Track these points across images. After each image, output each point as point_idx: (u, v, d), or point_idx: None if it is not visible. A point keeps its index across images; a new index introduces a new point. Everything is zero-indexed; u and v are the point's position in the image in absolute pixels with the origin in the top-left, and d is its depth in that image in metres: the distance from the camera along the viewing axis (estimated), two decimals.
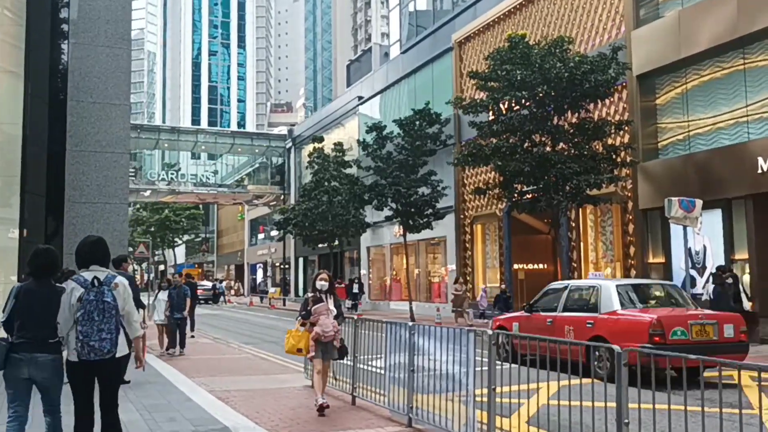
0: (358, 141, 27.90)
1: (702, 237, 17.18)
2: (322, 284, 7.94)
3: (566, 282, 13.26)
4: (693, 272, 17.28)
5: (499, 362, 5.88)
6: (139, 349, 5.56)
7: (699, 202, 14.37)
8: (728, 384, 5.75)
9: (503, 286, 23.88)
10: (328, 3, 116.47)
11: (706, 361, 4.31)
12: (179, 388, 9.51)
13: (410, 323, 7.29)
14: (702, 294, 16.33)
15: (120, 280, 5.10)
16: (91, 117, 14.66)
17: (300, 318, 8.19)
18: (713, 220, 16.79)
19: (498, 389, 5.80)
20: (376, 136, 26.20)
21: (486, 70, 18.34)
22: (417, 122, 25.53)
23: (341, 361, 8.59)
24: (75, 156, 14.46)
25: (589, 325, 10.86)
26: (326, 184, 32.06)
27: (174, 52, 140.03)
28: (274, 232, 47.71)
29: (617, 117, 19.41)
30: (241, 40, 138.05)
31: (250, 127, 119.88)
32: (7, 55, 12.53)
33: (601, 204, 18.72)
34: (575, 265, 21.40)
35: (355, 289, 33.34)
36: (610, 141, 18.76)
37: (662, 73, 18.80)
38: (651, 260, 18.63)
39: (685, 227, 14.67)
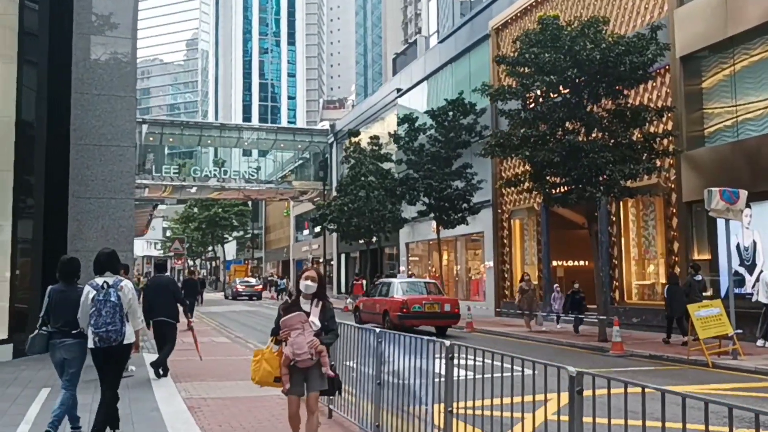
0: (389, 134, 27.06)
1: (751, 231, 15.72)
2: (307, 285, 5.60)
3: (385, 279, 23.77)
4: (741, 269, 15.83)
5: (462, 374, 5.01)
6: (138, 338, 6.77)
7: (743, 193, 13.04)
8: None
9: (576, 285, 18.81)
10: None
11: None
12: (155, 394, 8.89)
13: (377, 329, 6.43)
14: (752, 294, 14.90)
15: (125, 283, 6.41)
16: (96, 110, 14.24)
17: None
18: (764, 212, 15.33)
19: (461, 404, 4.95)
20: (408, 128, 25.33)
21: (513, 54, 17.21)
22: (450, 113, 24.58)
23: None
24: (79, 150, 14.06)
25: (384, 303, 19.96)
26: (362, 178, 31.32)
27: (226, 51, 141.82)
28: (317, 228, 47.32)
29: (659, 103, 18.02)
30: (291, 37, 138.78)
31: (301, 124, 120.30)
32: (7, 41, 12.16)
33: (640, 196, 17.40)
34: (616, 261, 20.09)
35: None
36: (651, 129, 17.43)
37: (708, 54, 17.36)
38: (696, 256, 17.22)
39: (727, 220, 13.34)
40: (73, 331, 6.34)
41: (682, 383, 10.33)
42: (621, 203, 19.65)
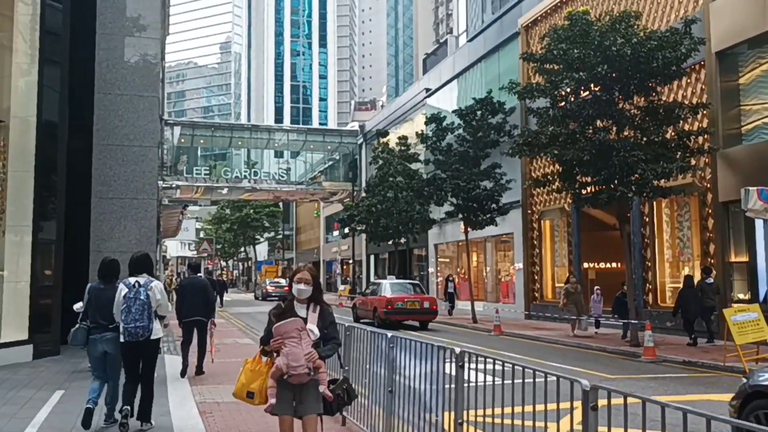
0: (416, 133, 26.75)
1: None
2: (300, 290, 4.78)
3: (376, 281, 28.35)
4: None
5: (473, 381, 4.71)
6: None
7: None
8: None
9: (625, 287, 17.03)
10: None
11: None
12: (169, 398, 8.74)
13: (389, 334, 6.15)
14: None
15: (155, 284, 7.03)
16: (118, 110, 14.22)
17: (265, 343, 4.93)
18: None
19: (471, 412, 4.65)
20: (435, 128, 24.99)
21: (541, 51, 16.79)
22: (478, 112, 24.17)
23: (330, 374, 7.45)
24: (102, 150, 14.05)
25: (374, 301, 23.12)
26: (390, 179, 31.04)
27: (258, 53, 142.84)
28: (345, 229, 47.20)
29: (694, 99, 17.42)
30: (323, 39, 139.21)
31: (332, 125, 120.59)
32: (29, 41, 12.15)
33: (674, 196, 16.83)
34: (649, 264, 19.50)
35: (450, 288, 29.04)
36: (686, 126, 16.86)
37: (745, 49, 16.70)
38: (733, 259, 16.58)
39: (766, 221, 12.77)
40: (111, 326, 7.01)
41: (716, 392, 9.85)
42: (654, 203, 19.07)
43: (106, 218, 13.93)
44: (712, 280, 15.65)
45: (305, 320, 4.73)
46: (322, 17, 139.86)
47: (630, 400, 3.17)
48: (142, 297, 6.75)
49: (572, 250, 23.25)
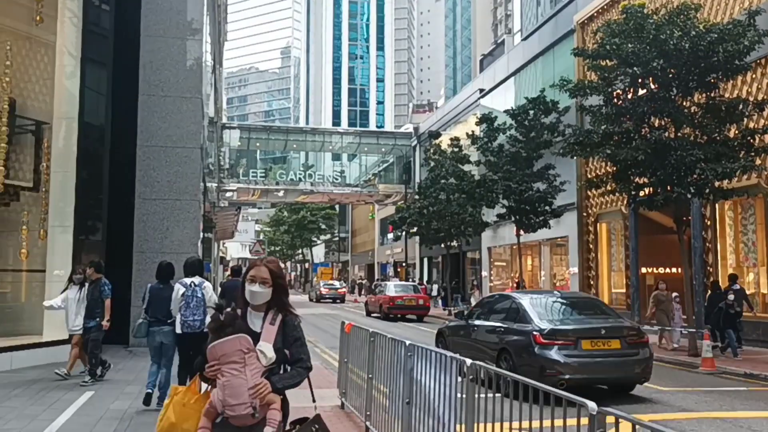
0: (466, 134, 26.24)
1: None
2: (253, 291, 3.38)
3: (382, 282, 36.72)
4: None
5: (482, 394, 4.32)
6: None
7: None
8: None
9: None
10: None
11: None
12: None
13: (407, 342, 5.80)
14: None
15: (207, 284, 8.44)
16: (162, 111, 14.28)
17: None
18: None
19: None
20: (486, 128, 24.46)
21: (593, 46, 16.12)
22: (531, 111, 23.52)
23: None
24: (146, 152, 14.13)
25: (380, 298, 28.96)
26: (442, 181, 30.58)
27: (317, 58, 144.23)
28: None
29: (759, 96, 16.42)
30: (380, 42, 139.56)
31: (389, 128, 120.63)
32: (71, 41, 12.29)
33: (736, 197, 15.88)
34: (711, 269, 18.51)
35: None
36: (750, 124, 15.89)
37: None
38: None
39: None
40: (168, 321, 8.25)
41: None
42: (717, 206, 18.10)
43: (149, 219, 13.99)
44: (738, 287, 15.45)
45: (257, 336, 3.33)
46: (380, 20, 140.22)
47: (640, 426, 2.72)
48: (198, 295, 8.10)
49: (629, 254, 22.32)
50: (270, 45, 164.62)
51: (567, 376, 9.25)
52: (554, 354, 9.48)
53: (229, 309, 3.51)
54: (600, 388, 10.20)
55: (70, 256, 11.71)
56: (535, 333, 9.74)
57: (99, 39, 12.80)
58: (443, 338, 12.96)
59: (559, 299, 11.48)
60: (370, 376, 7.00)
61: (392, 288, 29.41)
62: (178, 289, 8.07)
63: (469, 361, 4.40)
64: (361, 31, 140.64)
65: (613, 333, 10.05)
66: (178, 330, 8.03)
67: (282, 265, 3.71)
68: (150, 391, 8.09)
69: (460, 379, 4.63)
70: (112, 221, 13.28)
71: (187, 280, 8.14)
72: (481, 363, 4.48)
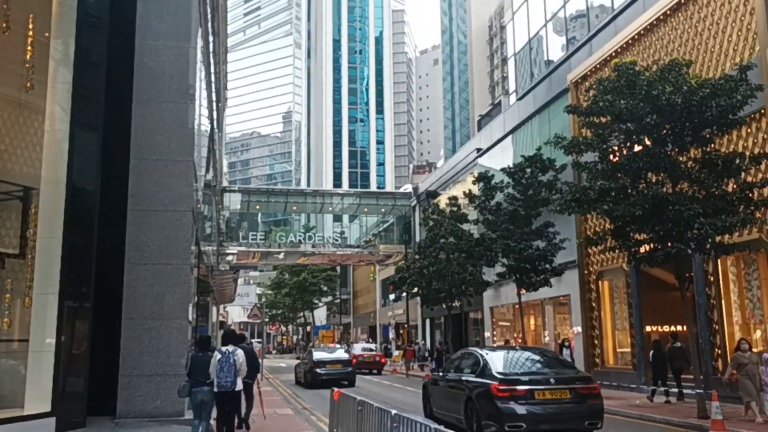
0: (464, 193, 26.15)
1: None
2: None
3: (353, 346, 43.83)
4: None
5: None
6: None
7: None
8: None
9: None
10: (465, 62, 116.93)
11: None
12: None
13: (393, 411, 5.45)
14: None
15: (239, 351, 10.38)
16: (153, 175, 14.15)
17: None
18: None
19: None
20: (484, 187, 24.37)
21: (585, 103, 16.13)
22: (528, 169, 23.48)
23: None
24: (136, 216, 13.94)
25: (355, 357, 31.88)
26: (441, 240, 30.35)
27: (317, 121, 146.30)
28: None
29: (756, 150, 16.33)
30: (380, 105, 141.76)
31: (390, 189, 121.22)
32: (59, 102, 12.25)
33: (738, 252, 15.59)
34: (716, 327, 18.05)
35: (566, 356, 23.34)
36: (748, 178, 15.74)
37: None
38: None
39: None
40: (207, 381, 10.05)
41: None
42: (719, 261, 17.80)
43: (139, 284, 13.69)
44: (679, 344, 17.90)
45: None
46: (379, 84, 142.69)
47: None
48: (231, 361, 9.96)
49: (633, 312, 21.88)
50: (271, 110, 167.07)
51: (522, 425, 10.58)
52: (510, 403, 10.81)
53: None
54: None
55: (55, 323, 11.37)
56: (493, 384, 11.16)
57: (90, 103, 12.76)
58: (426, 390, 15.12)
59: (518, 353, 12.84)
60: None
61: (360, 349, 38.86)
62: (216, 356, 10.00)
63: None
64: (361, 95, 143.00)
65: (563, 383, 11.28)
66: (216, 389, 9.89)
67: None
68: None
69: None
70: (100, 287, 12.97)
71: (223, 348, 10.10)
72: None
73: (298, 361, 35.26)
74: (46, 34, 12.19)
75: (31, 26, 11.98)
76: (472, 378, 12.15)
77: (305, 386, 26.32)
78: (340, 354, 28.52)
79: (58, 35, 12.29)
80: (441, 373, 14.53)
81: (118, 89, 13.96)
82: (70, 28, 12.35)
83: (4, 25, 11.34)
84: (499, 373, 11.40)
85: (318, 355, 27.47)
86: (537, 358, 12.77)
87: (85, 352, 12.12)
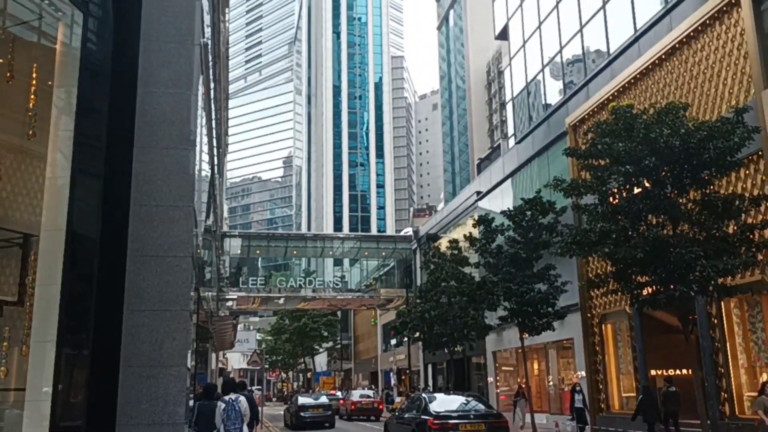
0: (464, 236, 26.12)
1: None
2: None
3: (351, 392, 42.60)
4: None
5: None
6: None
7: None
8: None
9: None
10: (464, 107, 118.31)
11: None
12: None
13: None
14: None
15: (242, 399, 11.08)
16: (153, 221, 14.10)
17: None
18: None
19: None
20: (484, 230, 24.36)
21: (584, 146, 16.23)
22: (528, 212, 23.50)
23: None
24: (135, 262, 13.87)
25: (353, 404, 36.55)
26: (443, 284, 30.19)
27: (318, 165, 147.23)
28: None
29: (755, 191, 16.37)
30: (380, 149, 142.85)
31: (391, 232, 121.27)
32: (61, 150, 12.32)
33: (740, 295, 15.49)
34: (722, 370, 17.82)
35: (578, 401, 22.54)
36: (748, 220, 15.74)
37: None
38: None
39: None
40: (213, 430, 10.44)
41: None
42: (722, 304, 17.66)
43: (138, 331, 13.51)
44: (674, 389, 18.14)
45: None
46: (379, 129, 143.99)
47: None
48: (236, 408, 10.62)
49: (637, 356, 21.64)
50: (272, 155, 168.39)
51: None
52: None
53: None
54: None
55: (53, 372, 11.23)
56: (429, 419, 15.85)
57: (91, 150, 12.82)
58: (387, 427, 20.65)
59: (451, 396, 19.03)
60: None
61: (357, 395, 39.27)
62: (220, 405, 10.60)
63: None
64: (361, 140, 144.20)
65: (480, 418, 16.21)
66: None
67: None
68: None
69: None
70: (99, 334, 12.86)
71: (227, 397, 10.73)
72: None
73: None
74: (50, 83, 12.34)
75: (34, 75, 12.13)
76: (416, 415, 16.91)
77: (291, 428, 30.10)
78: (322, 400, 32.57)
79: (61, 84, 12.44)
80: (397, 413, 19.98)
81: (120, 135, 14.05)
82: (73, 77, 12.51)
83: (8, 74, 11.51)
84: (435, 411, 16.17)
85: (302, 400, 31.53)
86: (465, 400, 18.18)
87: (83, 401, 11.94)
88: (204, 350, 29.33)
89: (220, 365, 51.69)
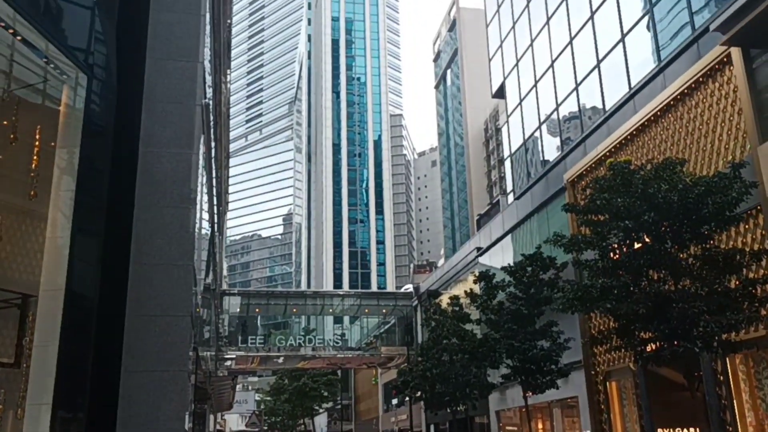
0: (465, 292, 25.98)
1: None
2: None
3: None
4: None
5: None
6: None
7: None
8: None
9: None
10: (463, 163, 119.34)
11: None
12: None
13: None
14: None
15: None
16: (152, 279, 14.07)
17: None
18: None
19: None
20: (485, 286, 24.25)
21: (583, 201, 16.30)
22: (528, 268, 23.43)
23: None
24: (134, 321, 13.77)
25: None
26: (444, 341, 29.86)
27: (317, 223, 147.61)
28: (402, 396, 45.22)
29: (755, 246, 16.36)
30: (380, 206, 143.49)
31: (391, 289, 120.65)
32: (61, 208, 12.36)
33: (745, 350, 15.31)
34: (730, 428, 17.45)
35: None
36: (750, 274, 15.68)
37: None
38: None
39: None
40: None
41: None
42: (728, 360, 17.43)
43: (134, 393, 13.32)
44: None
45: None
46: (378, 186, 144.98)
47: None
48: None
49: (643, 414, 21.23)
50: (272, 213, 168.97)
51: None
52: None
53: None
54: None
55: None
56: None
57: (92, 210, 12.87)
58: None
59: None
60: None
61: None
62: None
63: None
64: (361, 197, 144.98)
65: None
66: None
67: None
68: None
69: None
70: (95, 396, 12.64)
71: None
72: None
73: None
74: (52, 144, 12.47)
75: (37, 137, 12.27)
76: None
77: None
78: None
79: (64, 144, 12.57)
80: None
81: (121, 194, 14.13)
82: (75, 138, 12.64)
83: (12, 136, 11.63)
84: None
85: None
86: None
87: None
88: (202, 411, 28.83)
89: (218, 427, 50.70)
